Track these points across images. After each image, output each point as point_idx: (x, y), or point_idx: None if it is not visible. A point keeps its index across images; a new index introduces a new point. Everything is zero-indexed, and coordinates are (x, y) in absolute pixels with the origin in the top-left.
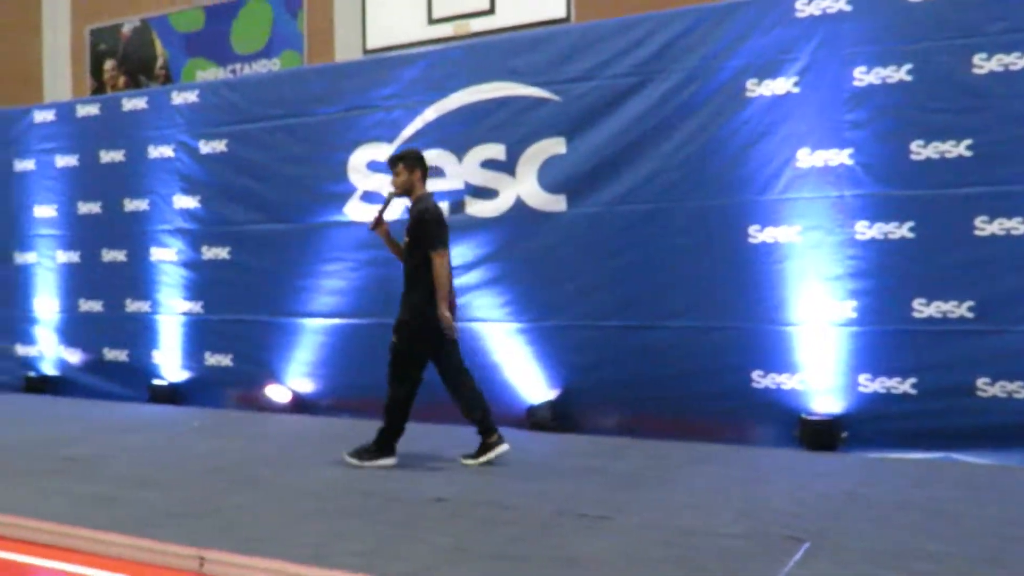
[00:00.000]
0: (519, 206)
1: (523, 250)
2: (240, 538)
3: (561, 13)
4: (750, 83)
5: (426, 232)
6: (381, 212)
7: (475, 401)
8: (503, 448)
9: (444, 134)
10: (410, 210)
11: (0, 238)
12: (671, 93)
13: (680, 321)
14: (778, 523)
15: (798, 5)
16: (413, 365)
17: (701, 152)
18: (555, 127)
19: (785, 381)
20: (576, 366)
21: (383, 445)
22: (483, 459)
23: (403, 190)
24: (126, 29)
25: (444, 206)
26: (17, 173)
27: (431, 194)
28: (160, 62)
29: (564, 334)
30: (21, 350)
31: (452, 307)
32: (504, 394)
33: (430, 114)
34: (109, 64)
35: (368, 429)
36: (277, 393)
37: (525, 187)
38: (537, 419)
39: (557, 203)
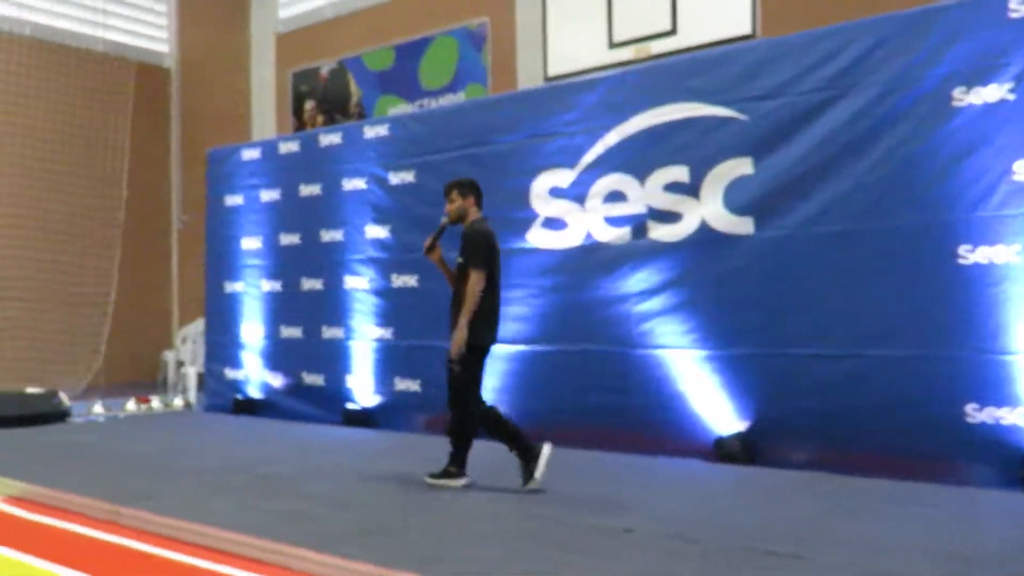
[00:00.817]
0: (704, 229)
1: (708, 275)
2: (419, 558)
3: (746, 29)
4: (957, 92)
5: (471, 252)
6: (435, 238)
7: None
8: (464, 482)
9: (626, 158)
10: (462, 233)
11: (213, 269)
12: (867, 107)
13: (880, 349)
14: (990, 572)
15: (1012, 5)
16: (476, 384)
17: (901, 168)
18: (741, 147)
19: (1005, 416)
20: (767, 396)
21: (458, 467)
22: (442, 482)
23: (457, 216)
24: (324, 71)
25: (626, 231)
26: (227, 207)
27: (484, 218)
28: (355, 100)
29: (753, 362)
30: (230, 374)
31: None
32: (690, 424)
33: (611, 138)
34: (309, 104)
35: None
36: None
37: (710, 209)
38: (726, 451)
39: (744, 225)
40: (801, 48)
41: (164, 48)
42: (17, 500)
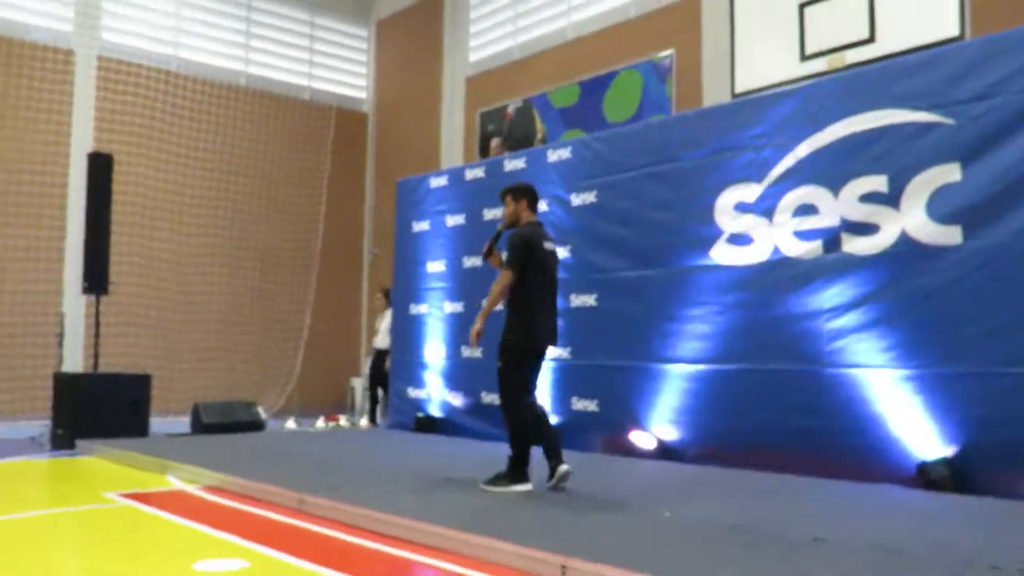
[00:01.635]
0: (904, 241)
1: (910, 288)
2: (603, 552)
3: (953, 31)
4: None
5: (509, 253)
6: (492, 242)
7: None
8: (522, 488)
9: (818, 169)
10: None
11: (400, 292)
12: None
13: None
14: None
15: None
16: (522, 388)
17: None
18: (948, 153)
19: None
20: (979, 419)
21: (516, 473)
22: (495, 489)
23: (511, 221)
24: (510, 109)
25: (817, 245)
26: (415, 233)
27: (537, 223)
28: (539, 136)
29: (963, 383)
30: (413, 393)
31: (550, 332)
32: (889, 449)
33: (802, 150)
34: (495, 142)
35: (732, 479)
36: (642, 439)
37: (911, 220)
38: (931, 477)
39: (951, 235)
40: (1018, 45)
41: (362, 95)
42: (215, 489)
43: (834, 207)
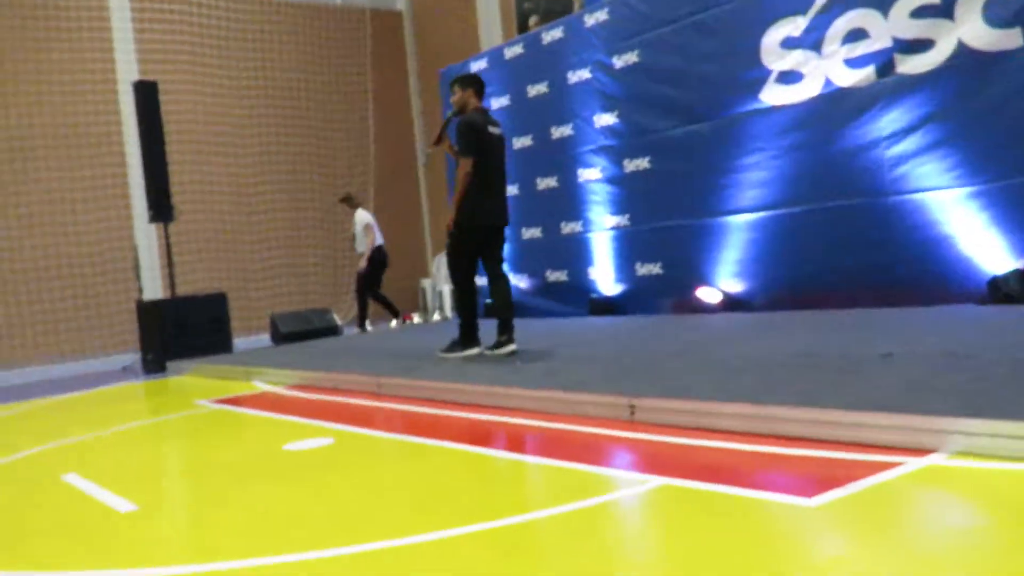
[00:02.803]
0: (961, 52)
1: (971, 101)
2: (669, 388)
3: None
4: None
5: (459, 140)
6: (442, 129)
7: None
8: (513, 347)
9: None
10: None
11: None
12: None
13: None
14: None
15: None
16: (465, 262)
17: None
18: None
19: None
20: None
21: (466, 338)
22: (500, 351)
23: (459, 108)
24: None
25: (870, 71)
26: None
27: (483, 109)
28: (576, 7)
29: None
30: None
31: (498, 213)
32: (959, 267)
33: None
34: (533, 20)
35: (802, 318)
36: (708, 295)
37: (968, 28)
38: (1002, 291)
39: (1011, 39)
40: None
41: None
42: (298, 387)
43: (885, 28)
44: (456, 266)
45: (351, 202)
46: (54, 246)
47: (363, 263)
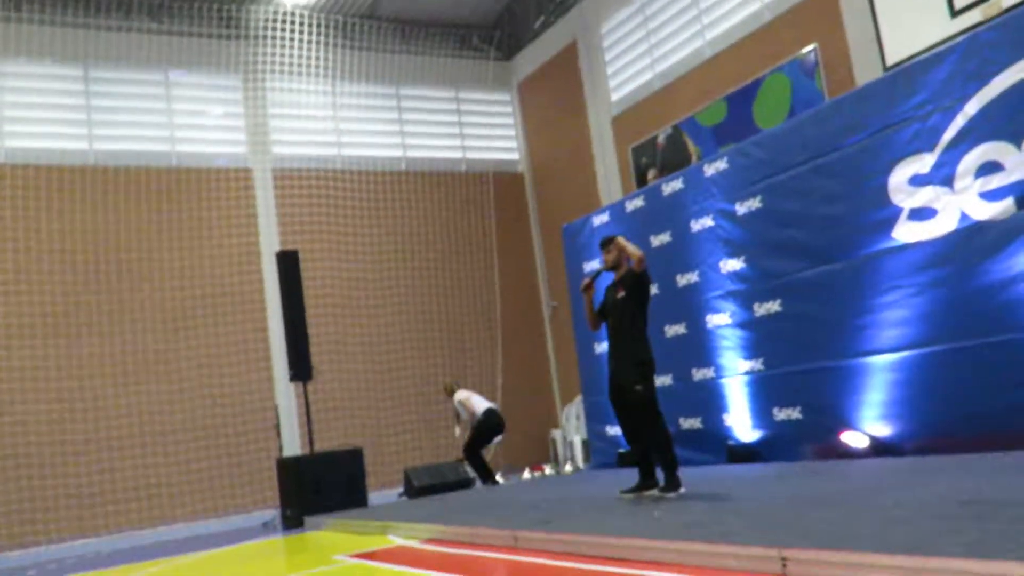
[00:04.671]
0: None
1: None
2: (822, 539)
3: None
4: None
5: (645, 291)
6: (593, 279)
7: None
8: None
9: (994, 124)
10: (629, 272)
11: (583, 334)
12: None
13: None
14: None
15: None
16: (658, 403)
17: None
18: None
19: None
20: None
21: (676, 478)
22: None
23: (613, 265)
24: (660, 139)
25: (1008, 203)
26: (587, 274)
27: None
28: (694, 159)
29: None
30: (611, 431)
31: None
32: None
33: (971, 108)
34: (651, 173)
35: (956, 463)
36: (854, 439)
37: None
38: None
39: None
40: None
41: (515, 156)
42: (434, 540)
43: (1020, 159)
44: (657, 412)
45: (449, 390)
46: (201, 408)
47: (466, 434)
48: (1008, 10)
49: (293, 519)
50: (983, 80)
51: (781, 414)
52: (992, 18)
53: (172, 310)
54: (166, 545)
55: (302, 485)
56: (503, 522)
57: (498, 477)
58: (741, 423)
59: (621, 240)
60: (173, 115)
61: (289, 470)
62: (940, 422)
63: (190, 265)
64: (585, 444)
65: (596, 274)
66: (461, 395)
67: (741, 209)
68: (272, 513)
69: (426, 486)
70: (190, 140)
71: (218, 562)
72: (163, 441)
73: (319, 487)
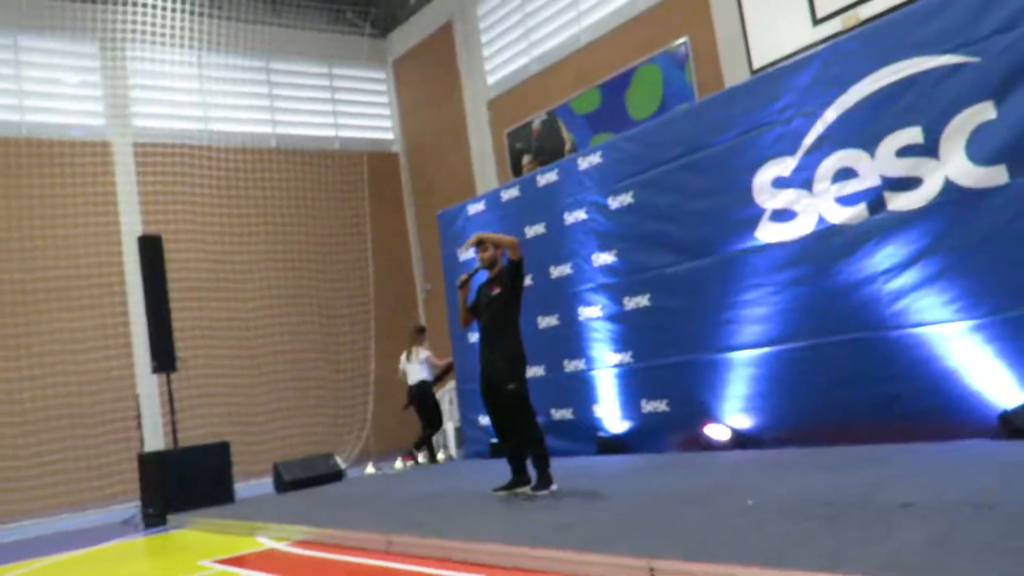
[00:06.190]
0: (949, 189)
1: (964, 236)
2: (691, 547)
3: None
4: None
5: (518, 284)
6: (470, 276)
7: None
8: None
9: (850, 131)
10: (503, 268)
11: (457, 322)
12: None
13: None
14: None
15: None
16: (529, 399)
17: None
18: (978, 92)
19: None
20: None
21: (547, 475)
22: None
23: (489, 264)
24: (536, 124)
25: (862, 208)
26: (463, 262)
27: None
28: (568, 146)
29: None
30: (484, 420)
31: None
32: (967, 401)
33: (830, 115)
34: (526, 159)
35: (813, 457)
36: (717, 432)
37: (953, 166)
38: (1014, 426)
39: (996, 176)
40: None
41: (390, 135)
42: (304, 543)
43: (873, 167)
44: (529, 409)
45: (423, 334)
46: (55, 396)
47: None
48: (866, 21)
49: (155, 517)
50: (842, 88)
51: (648, 406)
52: (851, 28)
53: (23, 292)
54: (15, 546)
55: (165, 481)
56: (376, 524)
57: (369, 468)
58: (611, 414)
59: (492, 236)
60: (23, 82)
61: (151, 466)
62: (796, 416)
63: (43, 243)
64: (458, 431)
65: (472, 272)
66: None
67: (614, 203)
68: (133, 508)
69: (297, 480)
70: (42, 109)
71: (73, 568)
72: (11, 431)
73: (183, 483)
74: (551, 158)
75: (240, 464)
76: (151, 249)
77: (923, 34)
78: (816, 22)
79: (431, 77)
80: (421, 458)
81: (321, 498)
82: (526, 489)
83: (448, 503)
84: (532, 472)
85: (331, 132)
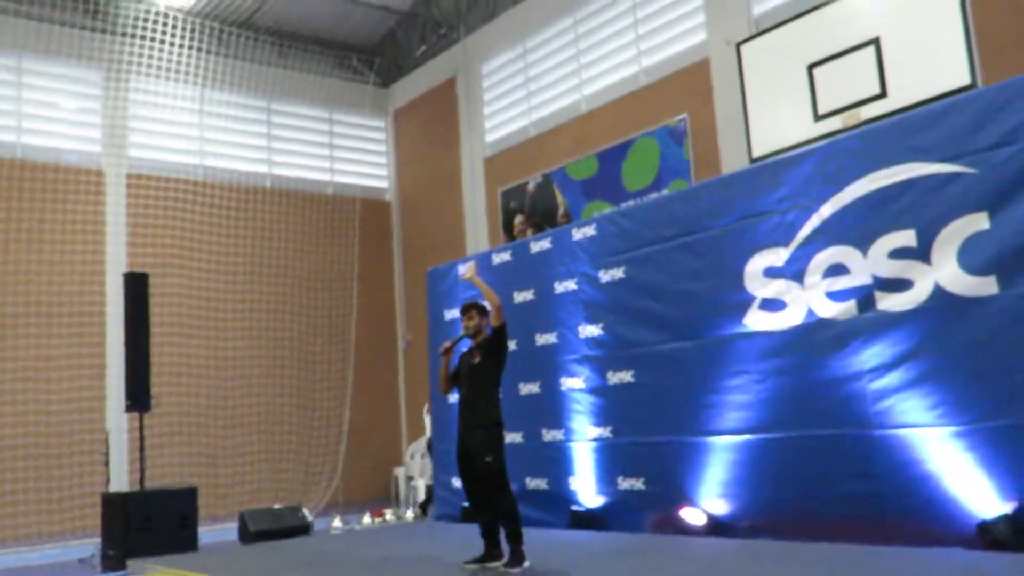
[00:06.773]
0: (939, 294)
1: (951, 342)
2: None
3: (964, 80)
4: None
5: (502, 354)
6: (454, 344)
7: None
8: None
9: (844, 228)
10: (486, 337)
11: (434, 381)
12: None
13: None
14: None
15: None
16: (506, 473)
17: None
18: (973, 202)
19: None
20: None
21: (520, 552)
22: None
23: (474, 332)
24: (531, 186)
25: (851, 305)
26: (447, 321)
27: None
28: (561, 210)
29: (1017, 434)
30: (458, 483)
31: None
32: (948, 509)
33: (826, 210)
34: (518, 219)
35: (789, 552)
36: (692, 516)
37: (944, 272)
38: (992, 536)
39: (986, 286)
40: None
41: (384, 184)
42: None
43: (865, 265)
44: (505, 483)
45: None
46: (23, 424)
47: None
48: (867, 122)
49: (115, 560)
50: (839, 185)
51: (625, 483)
52: (851, 127)
53: (0, 315)
54: None
55: (128, 524)
56: None
57: (336, 521)
58: (586, 488)
59: (481, 284)
60: (22, 104)
61: (114, 506)
62: (773, 506)
63: (26, 268)
64: (429, 489)
65: (456, 339)
66: None
67: (604, 276)
68: (92, 546)
69: (262, 531)
70: (39, 132)
71: None
72: None
73: (146, 527)
74: (543, 220)
75: (206, 507)
76: (136, 286)
77: (922, 140)
78: (818, 118)
79: (430, 130)
80: (389, 515)
81: (285, 555)
82: (498, 565)
83: (416, 572)
84: (504, 547)
85: (326, 176)
